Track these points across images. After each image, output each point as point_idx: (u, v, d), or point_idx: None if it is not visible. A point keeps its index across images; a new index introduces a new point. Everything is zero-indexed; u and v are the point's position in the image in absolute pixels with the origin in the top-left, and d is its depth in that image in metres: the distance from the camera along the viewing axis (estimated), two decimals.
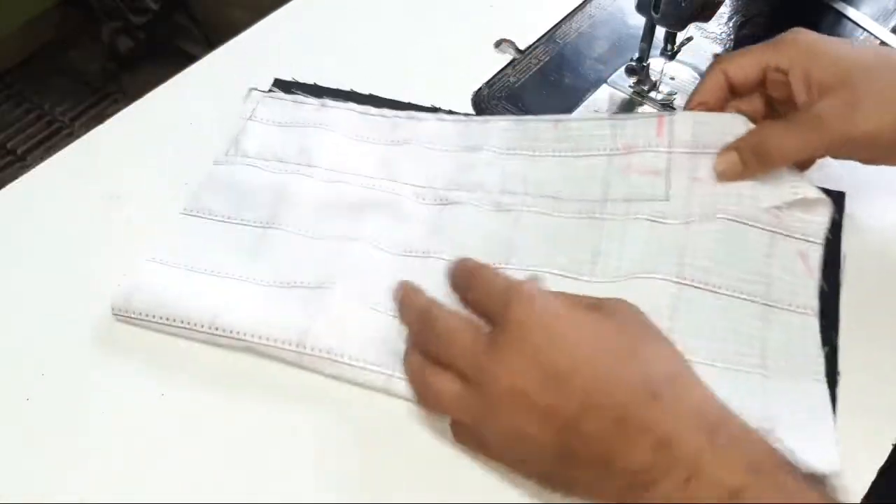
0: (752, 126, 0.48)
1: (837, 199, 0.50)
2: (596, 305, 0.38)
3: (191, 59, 0.61)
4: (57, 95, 1.63)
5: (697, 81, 0.51)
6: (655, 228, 0.47)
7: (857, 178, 0.50)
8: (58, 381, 0.44)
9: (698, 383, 0.36)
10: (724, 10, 0.63)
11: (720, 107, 0.50)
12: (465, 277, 0.39)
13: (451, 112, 0.56)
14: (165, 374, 0.44)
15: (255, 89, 0.57)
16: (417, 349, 0.39)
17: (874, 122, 0.44)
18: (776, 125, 0.47)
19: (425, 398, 0.39)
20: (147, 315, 0.45)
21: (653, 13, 0.52)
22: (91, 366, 0.45)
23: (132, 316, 0.45)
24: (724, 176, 0.47)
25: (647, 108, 0.57)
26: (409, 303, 0.40)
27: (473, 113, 0.56)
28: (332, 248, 0.48)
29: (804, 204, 0.47)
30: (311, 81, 0.58)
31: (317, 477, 0.41)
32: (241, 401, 0.43)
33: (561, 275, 0.46)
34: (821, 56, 0.45)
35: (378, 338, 0.43)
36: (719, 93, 0.49)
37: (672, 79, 0.58)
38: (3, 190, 0.53)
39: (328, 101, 0.56)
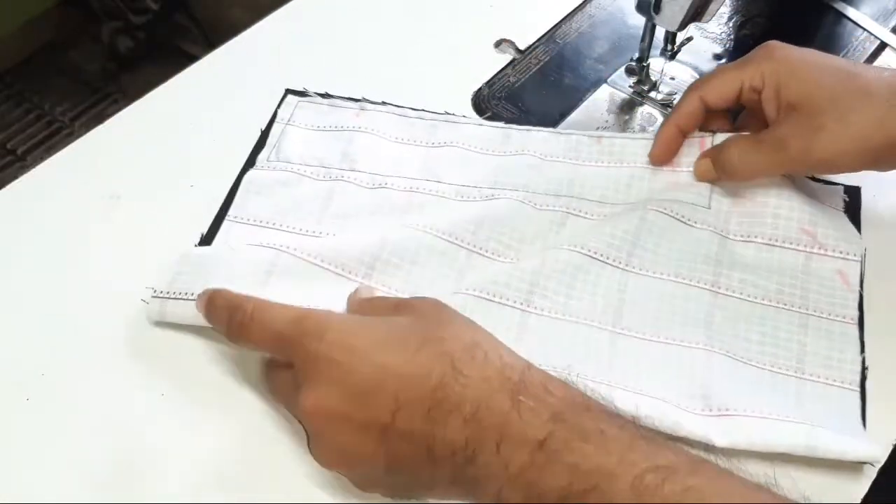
0: None
1: (853, 193, 0.50)
2: (397, 306, 0.39)
3: (191, 59, 0.61)
4: (57, 95, 1.63)
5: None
6: (694, 232, 0.48)
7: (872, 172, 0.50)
8: (58, 381, 0.44)
9: (498, 346, 0.36)
10: (724, 10, 0.63)
11: (694, 130, 0.50)
12: (242, 323, 0.38)
13: (491, 118, 0.56)
14: (165, 374, 0.44)
15: (291, 92, 0.57)
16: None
17: (832, 151, 0.44)
18: (744, 142, 0.47)
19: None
20: (190, 294, 0.44)
21: (653, 13, 0.52)
22: (91, 366, 0.45)
23: (173, 296, 0.44)
24: (701, 179, 0.49)
25: (647, 108, 0.57)
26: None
27: (474, 113, 0.56)
28: (374, 251, 0.47)
29: (840, 222, 0.48)
30: (321, 89, 0.57)
31: (317, 477, 0.41)
32: (241, 401, 0.43)
33: (593, 257, 0.46)
34: (792, 75, 0.45)
35: None
36: (696, 119, 0.49)
37: (672, 79, 0.58)
38: (3, 190, 0.53)
39: (367, 105, 0.56)
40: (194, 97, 0.59)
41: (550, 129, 0.54)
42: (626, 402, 0.39)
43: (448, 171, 0.52)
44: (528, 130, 0.54)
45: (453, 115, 0.56)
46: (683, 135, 0.50)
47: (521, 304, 0.45)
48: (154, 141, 0.56)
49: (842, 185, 0.51)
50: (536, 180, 0.51)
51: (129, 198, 0.53)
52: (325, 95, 0.57)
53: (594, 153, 0.52)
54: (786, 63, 0.46)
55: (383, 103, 0.56)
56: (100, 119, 0.58)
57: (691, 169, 0.50)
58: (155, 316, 0.45)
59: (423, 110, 0.56)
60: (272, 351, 0.39)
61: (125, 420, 0.43)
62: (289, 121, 0.56)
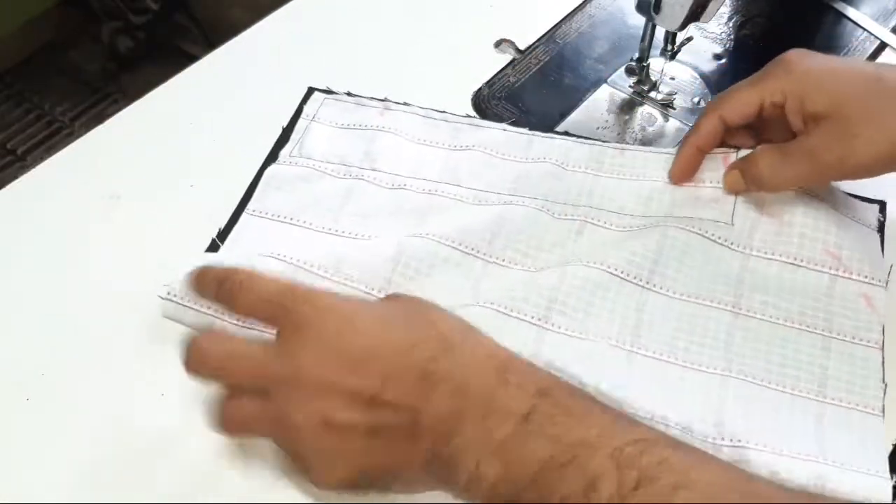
0: None
1: (883, 209, 0.50)
2: (386, 298, 0.39)
3: (191, 59, 0.61)
4: (57, 95, 1.63)
5: (699, 82, 0.51)
6: (715, 250, 0.47)
7: (860, 191, 0.50)
8: (58, 381, 0.44)
9: (487, 338, 0.36)
10: (724, 10, 0.63)
11: (713, 149, 0.50)
12: (232, 290, 0.37)
13: (513, 123, 0.56)
14: (165, 374, 0.44)
15: (316, 89, 0.57)
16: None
17: (870, 156, 0.44)
18: (772, 154, 0.47)
19: (229, 427, 0.37)
20: (203, 307, 0.44)
21: (653, 13, 0.52)
22: (91, 366, 0.45)
23: (185, 304, 0.44)
24: (730, 190, 0.49)
25: (647, 108, 0.57)
26: (192, 361, 0.37)
27: (475, 114, 0.56)
28: (391, 252, 0.47)
29: (866, 244, 0.47)
30: (342, 89, 0.57)
31: None
32: None
33: (613, 274, 0.46)
34: (815, 85, 0.45)
35: None
36: (715, 138, 0.49)
37: (672, 79, 0.58)
38: (3, 190, 0.53)
39: (391, 104, 0.56)
40: (194, 97, 0.59)
41: (574, 138, 0.54)
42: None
43: (468, 174, 0.52)
44: (551, 138, 0.54)
45: (477, 118, 0.56)
46: (703, 154, 0.50)
47: (539, 320, 0.45)
48: (154, 141, 0.56)
49: (879, 201, 0.50)
50: (556, 188, 0.51)
51: (129, 198, 0.53)
52: (350, 94, 0.57)
53: (616, 165, 0.52)
54: (807, 76, 0.45)
55: (406, 104, 0.56)
56: (100, 119, 0.58)
57: (714, 185, 0.49)
58: (170, 315, 0.45)
59: (446, 112, 0.56)
60: (261, 316, 0.37)
61: (125, 420, 0.43)
62: (314, 117, 0.56)
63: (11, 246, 0.50)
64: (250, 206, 0.51)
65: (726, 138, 0.49)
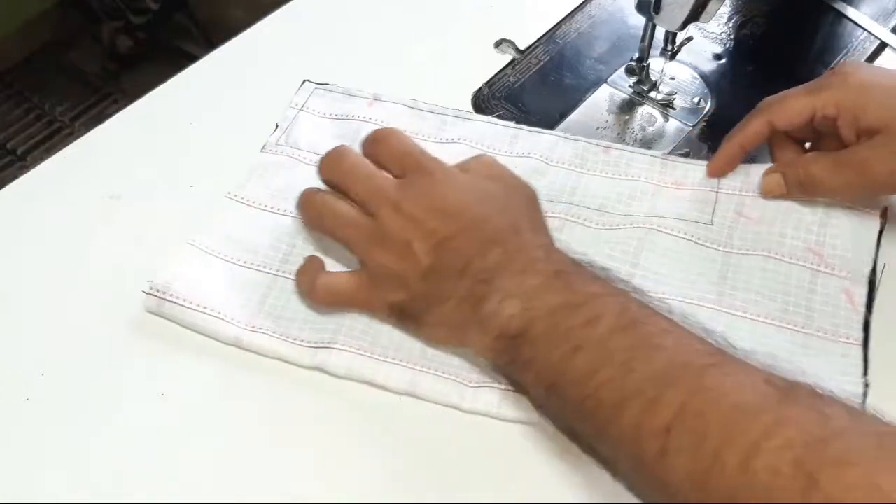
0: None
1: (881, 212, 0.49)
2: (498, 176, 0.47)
3: (191, 59, 0.61)
4: (57, 95, 1.63)
5: (699, 82, 0.50)
6: (696, 250, 0.47)
7: None
8: (58, 381, 0.44)
9: (548, 233, 0.45)
10: (724, 10, 0.63)
11: (756, 150, 0.50)
12: (379, 138, 0.46)
13: (499, 117, 0.56)
14: (165, 374, 0.44)
15: (309, 81, 0.58)
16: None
17: None
18: (825, 161, 0.47)
19: (322, 215, 0.45)
20: (185, 301, 0.45)
21: (653, 13, 0.52)
22: (91, 366, 0.45)
23: (168, 298, 0.45)
24: (768, 194, 0.49)
25: (647, 108, 0.57)
26: (329, 160, 0.46)
27: (474, 114, 0.56)
28: None
29: (849, 242, 0.47)
30: (342, 89, 0.57)
31: (317, 477, 0.41)
32: (241, 400, 0.43)
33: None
34: (870, 100, 0.45)
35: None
36: (760, 140, 0.50)
37: (672, 79, 0.58)
38: (3, 190, 0.53)
39: (381, 95, 0.56)
40: (194, 97, 0.59)
41: (560, 134, 0.54)
42: None
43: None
44: (537, 132, 0.54)
45: (465, 111, 0.56)
46: (745, 152, 0.50)
47: None
48: (154, 141, 0.56)
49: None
50: (538, 184, 0.51)
51: (129, 198, 0.53)
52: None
53: (600, 163, 0.52)
54: (861, 90, 0.46)
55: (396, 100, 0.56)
56: (100, 119, 0.58)
57: (694, 187, 0.50)
58: (153, 310, 0.46)
59: (435, 104, 0.56)
60: (397, 162, 0.45)
61: (125, 420, 0.43)
62: (302, 107, 0.56)
63: (11, 246, 0.50)
64: (231, 189, 0.51)
65: (770, 141, 0.50)
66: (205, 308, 0.45)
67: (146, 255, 0.48)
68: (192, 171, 0.53)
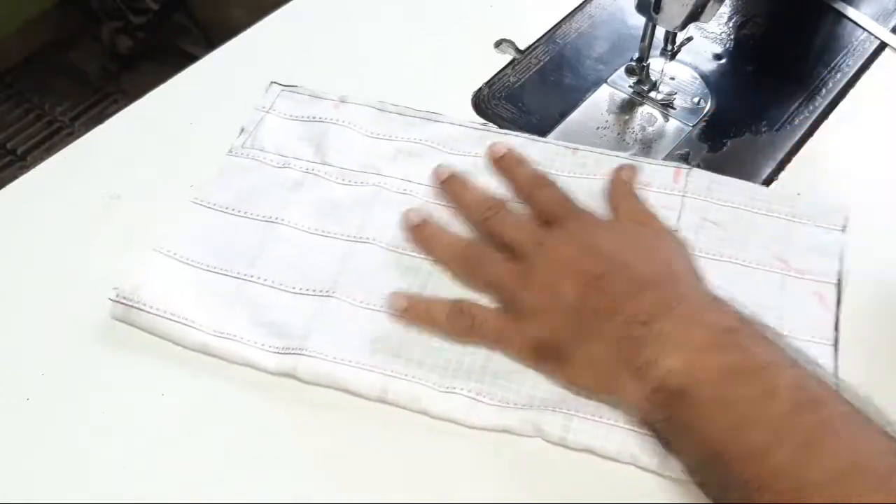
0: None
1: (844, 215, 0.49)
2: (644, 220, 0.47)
3: (191, 59, 0.61)
4: (57, 95, 1.63)
5: (699, 82, 0.51)
6: None
7: (861, 192, 0.50)
8: (58, 381, 0.44)
9: (706, 285, 0.42)
10: (724, 10, 0.63)
11: None
12: (540, 184, 0.48)
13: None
14: (165, 374, 0.44)
15: (276, 83, 0.57)
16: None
17: None
18: None
19: (478, 262, 0.45)
20: (152, 308, 0.45)
21: (653, 13, 0.52)
22: (91, 366, 0.45)
23: (135, 305, 0.45)
24: None
25: (647, 108, 0.57)
26: (473, 202, 0.48)
27: (474, 114, 0.56)
28: (337, 250, 0.48)
29: (817, 247, 0.47)
30: (321, 89, 0.57)
31: (317, 477, 0.41)
32: (241, 400, 0.43)
33: None
34: None
35: (378, 338, 0.44)
36: None
37: (672, 79, 0.58)
38: (3, 190, 0.53)
39: (348, 97, 0.56)
40: (194, 97, 0.59)
41: (528, 136, 0.54)
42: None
43: (418, 169, 0.52)
44: (505, 134, 0.54)
45: (436, 113, 0.55)
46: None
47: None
48: (154, 141, 0.56)
49: (843, 208, 0.49)
50: (506, 185, 0.51)
51: (129, 198, 0.53)
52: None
53: (568, 164, 0.52)
54: None
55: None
56: (100, 119, 0.58)
57: (660, 190, 0.50)
58: (119, 317, 0.46)
59: (405, 107, 0.56)
60: (552, 208, 0.47)
61: (125, 420, 0.43)
62: (269, 109, 0.56)
63: (11, 246, 0.50)
64: (196, 193, 0.51)
65: None
66: (172, 314, 0.45)
67: (154, 246, 0.48)
68: (192, 171, 0.53)
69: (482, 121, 0.55)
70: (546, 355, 0.41)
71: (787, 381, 0.34)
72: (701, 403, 0.34)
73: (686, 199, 0.50)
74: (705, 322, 0.37)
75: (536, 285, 0.42)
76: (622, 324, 0.38)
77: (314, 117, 0.55)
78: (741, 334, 0.36)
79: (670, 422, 0.36)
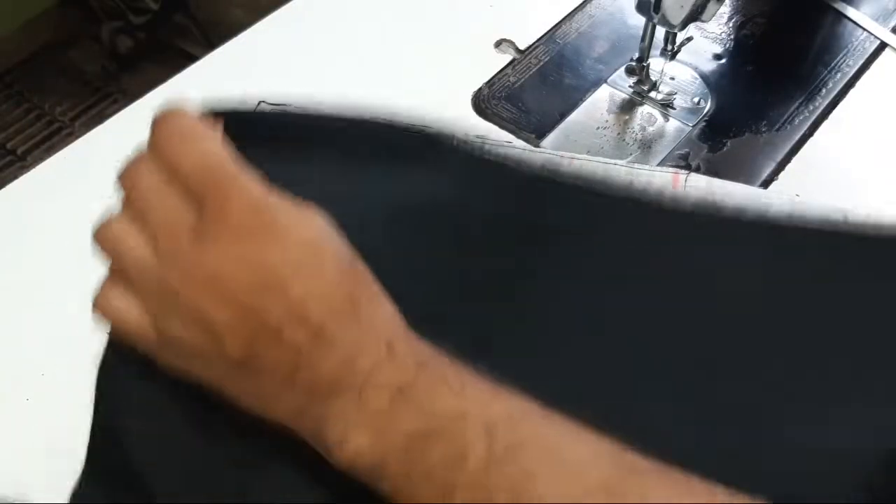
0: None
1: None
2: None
3: (191, 59, 0.61)
4: (57, 95, 1.63)
5: (699, 82, 0.51)
6: None
7: (861, 192, 0.51)
8: (58, 381, 0.44)
9: (388, 303, 0.34)
10: (724, 10, 0.63)
11: None
12: (170, 133, 0.36)
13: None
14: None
15: (265, 102, 0.57)
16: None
17: None
18: None
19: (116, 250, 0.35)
20: None
21: (653, 13, 0.52)
22: (91, 366, 0.45)
23: None
24: None
25: (647, 108, 0.57)
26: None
27: (474, 114, 0.56)
28: None
29: None
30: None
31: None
32: None
33: None
34: None
35: None
36: None
37: (672, 79, 0.58)
38: (3, 190, 0.53)
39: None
40: (194, 97, 0.59)
41: (524, 147, 0.54)
42: None
43: None
44: (501, 145, 0.54)
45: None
46: None
47: None
48: None
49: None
50: None
51: None
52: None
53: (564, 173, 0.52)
54: None
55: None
56: (100, 119, 0.58)
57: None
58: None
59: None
60: (186, 181, 0.35)
61: None
62: None
63: (11, 246, 0.50)
64: None
65: None
66: None
67: None
68: None
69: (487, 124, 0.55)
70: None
71: (477, 433, 0.31)
72: (398, 476, 0.32)
73: None
74: (381, 383, 0.32)
75: (180, 307, 0.32)
76: (300, 398, 0.32)
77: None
78: (418, 389, 0.32)
79: (378, 492, 0.33)
